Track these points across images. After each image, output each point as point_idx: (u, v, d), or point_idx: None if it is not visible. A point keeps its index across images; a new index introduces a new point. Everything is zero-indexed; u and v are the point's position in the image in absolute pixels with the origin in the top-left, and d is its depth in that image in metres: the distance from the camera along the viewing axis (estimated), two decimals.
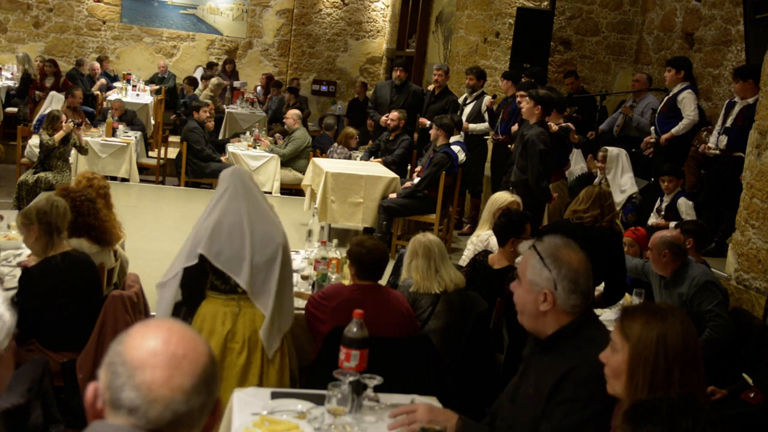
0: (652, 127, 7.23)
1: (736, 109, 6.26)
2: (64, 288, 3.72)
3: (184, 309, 3.58)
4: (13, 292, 3.65)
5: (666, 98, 7.10)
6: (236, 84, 13.82)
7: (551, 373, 2.23)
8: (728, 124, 6.30)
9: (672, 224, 6.10)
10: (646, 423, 1.61)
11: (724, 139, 6.31)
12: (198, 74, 13.78)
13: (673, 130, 6.86)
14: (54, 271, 3.70)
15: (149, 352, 1.35)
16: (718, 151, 6.34)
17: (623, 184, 6.81)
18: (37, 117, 9.64)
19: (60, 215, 3.79)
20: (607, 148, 7.05)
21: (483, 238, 5.10)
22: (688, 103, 6.84)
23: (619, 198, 6.71)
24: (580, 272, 2.26)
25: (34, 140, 8.64)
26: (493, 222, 5.04)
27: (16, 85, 11.88)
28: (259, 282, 3.32)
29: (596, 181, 7.08)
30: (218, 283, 3.37)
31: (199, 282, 3.41)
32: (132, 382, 1.33)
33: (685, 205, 6.33)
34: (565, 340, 2.26)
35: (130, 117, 10.32)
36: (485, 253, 4.60)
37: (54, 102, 9.68)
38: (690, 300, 4.18)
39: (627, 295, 4.67)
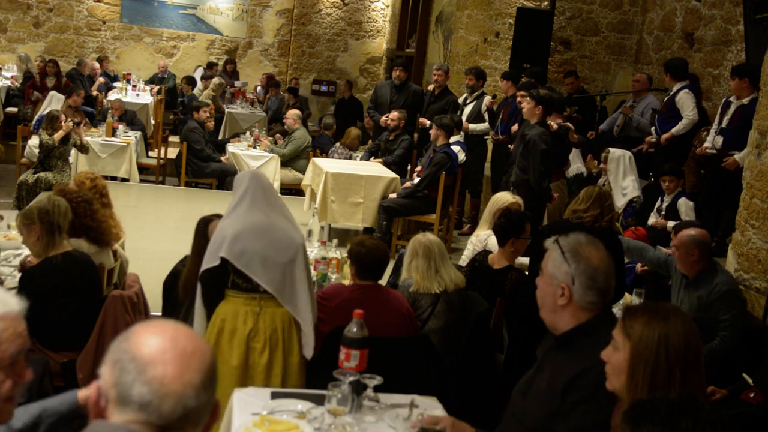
0: (653, 128, 7.24)
1: (732, 109, 6.27)
2: (64, 288, 3.72)
3: (184, 308, 3.58)
4: (13, 292, 3.65)
5: (666, 98, 7.12)
6: (236, 84, 13.83)
7: (567, 369, 2.24)
8: (724, 124, 6.32)
9: (670, 224, 6.11)
10: (646, 423, 1.61)
11: (719, 139, 6.31)
12: (198, 74, 13.78)
13: (673, 130, 6.87)
14: (55, 271, 3.70)
15: (158, 349, 1.36)
16: (714, 151, 6.36)
17: (625, 186, 6.80)
18: (36, 117, 9.62)
19: (62, 214, 3.80)
20: (610, 149, 7.03)
21: (482, 238, 5.10)
22: (686, 103, 6.86)
23: (620, 201, 6.71)
24: (599, 270, 2.27)
25: (34, 141, 8.63)
26: (493, 222, 5.04)
27: (18, 85, 11.87)
28: (287, 283, 3.32)
29: (600, 182, 7.08)
30: (240, 281, 3.35)
31: (220, 282, 3.40)
32: (143, 377, 1.33)
33: (685, 206, 6.33)
34: (582, 337, 2.27)
35: (130, 117, 10.31)
36: (485, 253, 4.61)
37: (54, 102, 9.67)
38: (708, 306, 4.13)
39: (627, 294, 4.66)
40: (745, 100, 6.11)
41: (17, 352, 1.60)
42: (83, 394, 1.76)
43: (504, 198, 5.23)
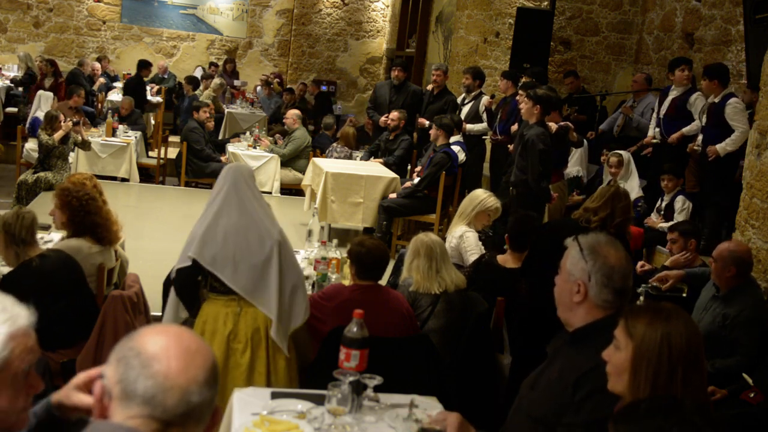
0: (657, 129, 7.15)
1: (703, 107, 6.59)
2: (44, 288, 3.67)
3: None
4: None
5: (671, 98, 7.03)
6: (236, 83, 13.82)
7: (579, 364, 2.24)
8: (702, 122, 6.58)
9: (662, 225, 6.15)
10: (624, 423, 1.63)
11: (700, 137, 6.55)
12: (198, 74, 13.77)
13: (684, 130, 6.83)
14: (33, 272, 3.70)
15: (163, 346, 1.39)
16: (698, 147, 6.56)
17: (632, 188, 6.79)
18: (29, 120, 9.58)
19: (25, 227, 3.76)
20: (620, 152, 6.97)
21: (456, 234, 5.07)
22: (700, 107, 6.81)
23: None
24: (615, 269, 2.28)
25: (30, 144, 8.63)
26: (472, 219, 5.05)
27: (20, 77, 11.85)
28: (256, 284, 3.32)
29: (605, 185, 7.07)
30: (217, 285, 3.37)
31: (193, 282, 3.42)
32: (147, 372, 1.35)
33: (681, 204, 6.35)
34: (596, 334, 2.27)
35: (136, 117, 10.32)
36: (491, 253, 4.63)
37: (42, 102, 9.63)
38: (731, 327, 4.07)
39: None
40: (716, 99, 6.33)
41: (29, 367, 1.60)
42: (56, 395, 1.78)
43: (490, 202, 5.17)
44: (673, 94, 7.01)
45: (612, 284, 2.28)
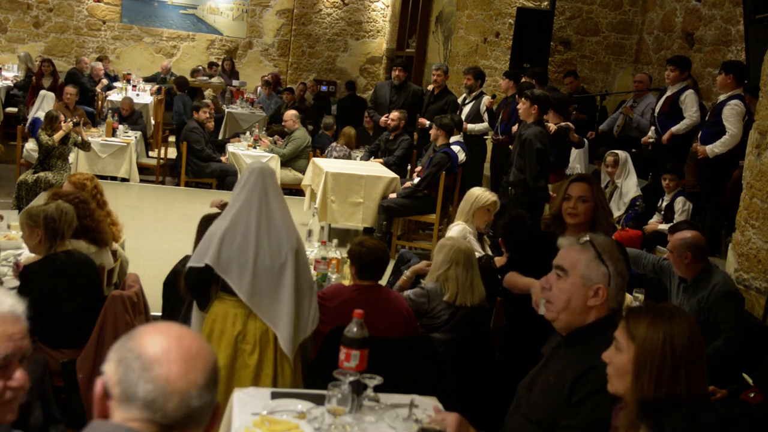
0: (653, 127, 7.21)
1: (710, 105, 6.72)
2: (64, 284, 3.73)
3: (185, 307, 3.58)
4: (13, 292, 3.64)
5: (665, 97, 7.08)
6: (234, 83, 13.81)
7: (577, 364, 2.25)
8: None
9: (662, 226, 6.14)
10: (667, 418, 1.58)
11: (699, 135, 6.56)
12: None
13: (673, 129, 6.84)
14: (57, 267, 3.73)
15: (164, 348, 1.37)
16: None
17: (630, 188, 6.78)
18: (30, 119, 9.57)
19: (67, 222, 3.82)
20: (617, 152, 6.95)
21: (454, 231, 5.07)
22: (690, 104, 6.84)
23: (626, 201, 6.72)
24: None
25: (30, 144, 8.63)
26: (469, 217, 5.04)
27: (20, 79, 11.83)
28: (268, 295, 3.28)
29: (603, 185, 7.06)
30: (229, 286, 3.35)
31: (205, 279, 3.40)
32: (148, 375, 1.34)
33: (681, 204, 6.34)
34: (590, 334, 2.28)
35: (136, 117, 10.31)
36: (487, 256, 4.62)
37: (45, 102, 9.63)
38: (708, 307, 4.07)
39: (627, 294, 4.64)
40: (722, 96, 6.29)
41: (4, 356, 1.55)
42: None
43: (485, 197, 5.15)
44: (668, 93, 7.05)
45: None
